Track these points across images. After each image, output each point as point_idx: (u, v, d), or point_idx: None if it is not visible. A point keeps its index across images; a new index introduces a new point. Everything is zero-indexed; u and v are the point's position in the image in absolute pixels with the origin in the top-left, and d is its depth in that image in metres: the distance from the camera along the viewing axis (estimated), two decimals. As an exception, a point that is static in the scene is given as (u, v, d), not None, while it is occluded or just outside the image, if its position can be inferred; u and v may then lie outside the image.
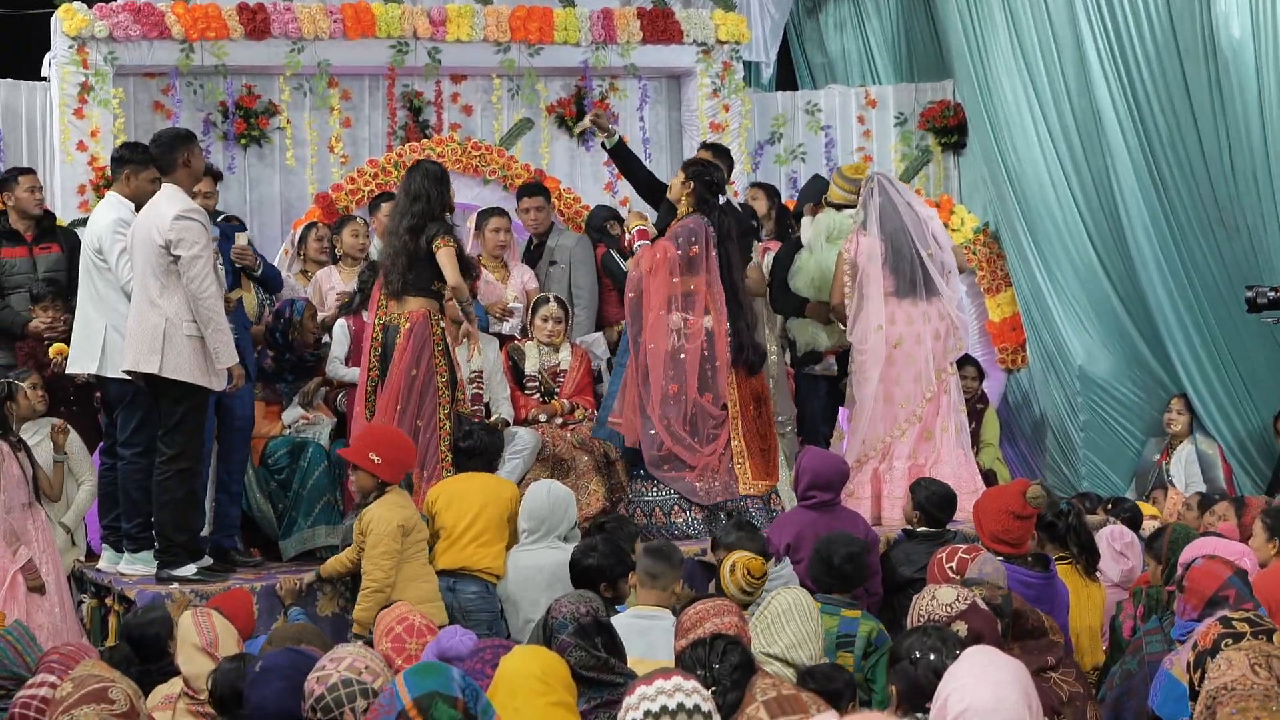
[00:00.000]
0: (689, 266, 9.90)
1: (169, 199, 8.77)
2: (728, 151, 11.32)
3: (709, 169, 10.27)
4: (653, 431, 9.88)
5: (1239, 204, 11.57)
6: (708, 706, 4.36)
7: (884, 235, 10.26)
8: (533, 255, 11.63)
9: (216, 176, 10.67)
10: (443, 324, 9.49)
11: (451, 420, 9.37)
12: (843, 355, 10.91)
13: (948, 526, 8.63)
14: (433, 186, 9.55)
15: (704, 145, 11.52)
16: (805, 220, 11.22)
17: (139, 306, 8.71)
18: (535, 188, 11.94)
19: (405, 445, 8.45)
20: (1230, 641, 5.06)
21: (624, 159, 10.91)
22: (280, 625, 6.78)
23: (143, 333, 8.65)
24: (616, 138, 10.84)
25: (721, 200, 10.30)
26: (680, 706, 4.27)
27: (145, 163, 9.37)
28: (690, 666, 5.19)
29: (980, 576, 6.62)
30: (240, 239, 9.93)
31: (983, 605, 5.68)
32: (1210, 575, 6.25)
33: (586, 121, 11.14)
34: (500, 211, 11.47)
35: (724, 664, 5.21)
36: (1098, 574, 8.09)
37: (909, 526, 8.73)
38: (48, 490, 9.65)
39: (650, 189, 10.77)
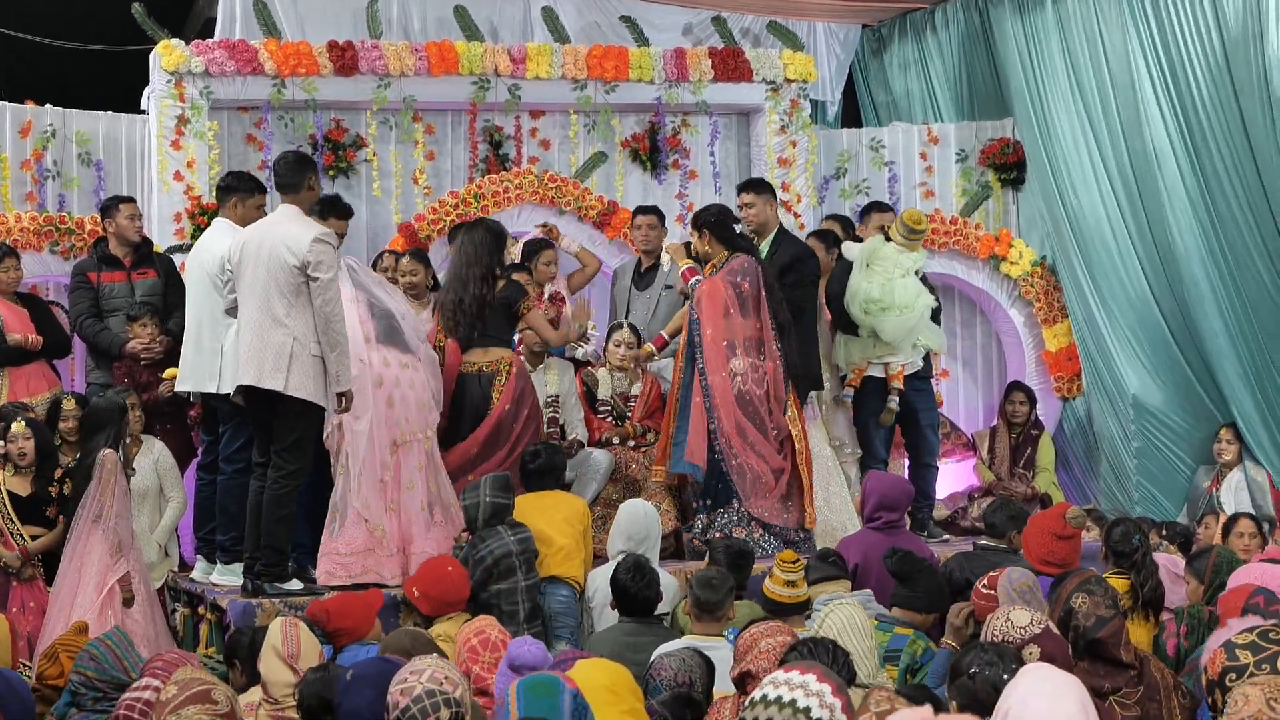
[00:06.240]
0: (741, 305, 9.92)
1: (297, 219, 8.74)
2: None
3: (712, 210, 10.37)
4: (736, 461, 9.86)
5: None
6: (823, 718, 4.04)
7: None
8: (643, 278, 11.49)
9: (343, 213, 10.62)
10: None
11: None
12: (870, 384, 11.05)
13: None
14: (493, 240, 9.76)
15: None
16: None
17: (260, 324, 8.58)
18: (651, 208, 11.81)
19: (451, 585, 7.98)
20: (1233, 676, 5.00)
21: None
22: (393, 633, 6.84)
23: (266, 350, 8.54)
24: None
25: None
26: (791, 704, 4.00)
27: (252, 190, 9.43)
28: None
29: (1011, 582, 6.67)
30: None
31: (1055, 631, 5.68)
32: (1236, 594, 6.43)
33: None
34: (548, 244, 11.55)
35: (834, 665, 5.20)
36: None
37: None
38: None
39: None
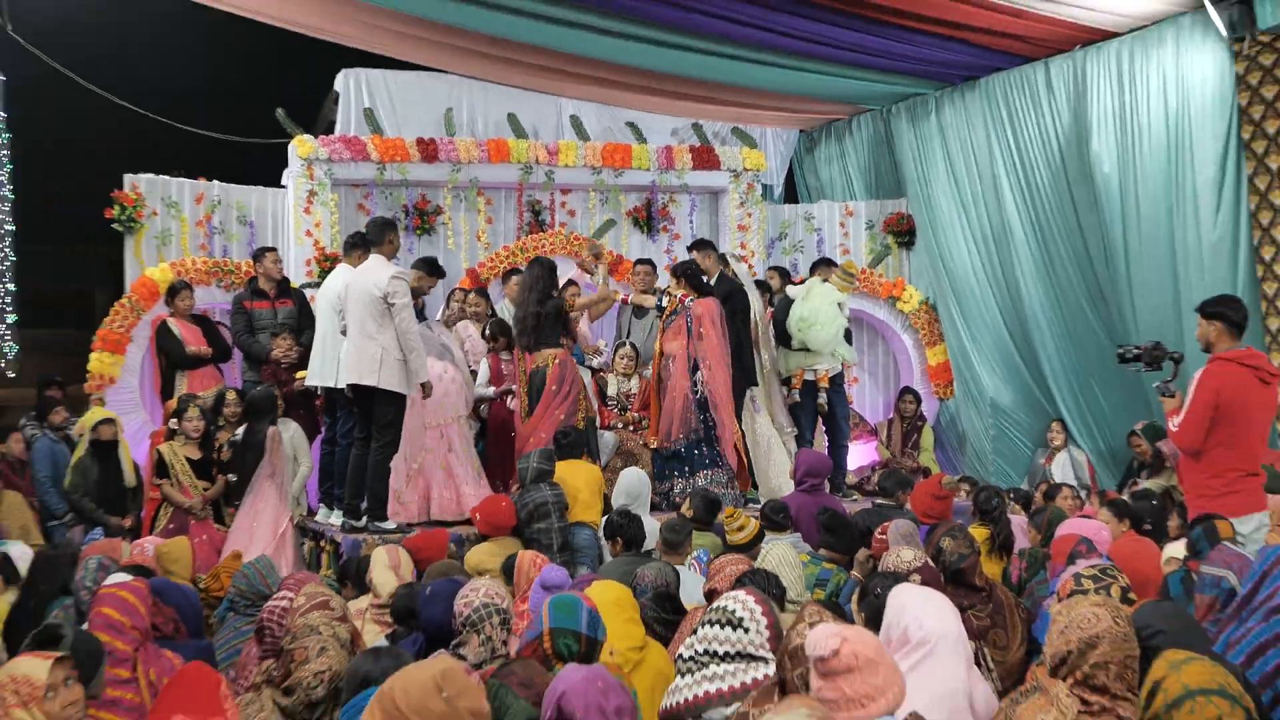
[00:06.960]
0: (722, 323, 10.06)
1: (381, 265, 8.82)
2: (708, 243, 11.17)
3: (690, 263, 10.42)
4: (722, 428, 10.00)
5: (1112, 286, 11.51)
6: (745, 618, 4.05)
7: None
8: (640, 311, 11.40)
9: (438, 274, 10.36)
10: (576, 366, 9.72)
11: (586, 423, 9.59)
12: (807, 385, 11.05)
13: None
14: (546, 273, 9.79)
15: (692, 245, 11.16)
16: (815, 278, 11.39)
17: (358, 339, 8.72)
18: (647, 260, 11.77)
19: (502, 514, 7.99)
20: (1078, 597, 5.05)
21: None
22: (437, 563, 6.93)
23: (364, 357, 8.68)
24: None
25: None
26: (724, 609, 4.04)
27: (369, 248, 9.53)
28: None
29: (897, 529, 6.75)
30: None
31: (932, 564, 5.70)
32: (1065, 541, 6.41)
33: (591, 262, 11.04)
34: (570, 282, 11.46)
35: (769, 591, 5.24)
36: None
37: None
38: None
39: None
